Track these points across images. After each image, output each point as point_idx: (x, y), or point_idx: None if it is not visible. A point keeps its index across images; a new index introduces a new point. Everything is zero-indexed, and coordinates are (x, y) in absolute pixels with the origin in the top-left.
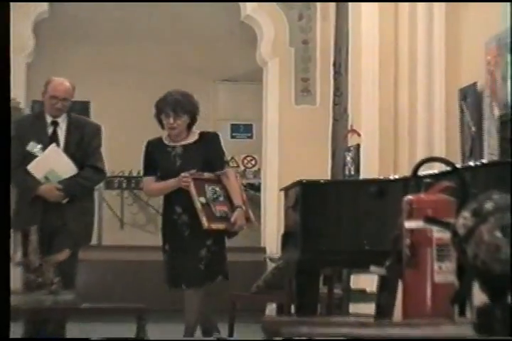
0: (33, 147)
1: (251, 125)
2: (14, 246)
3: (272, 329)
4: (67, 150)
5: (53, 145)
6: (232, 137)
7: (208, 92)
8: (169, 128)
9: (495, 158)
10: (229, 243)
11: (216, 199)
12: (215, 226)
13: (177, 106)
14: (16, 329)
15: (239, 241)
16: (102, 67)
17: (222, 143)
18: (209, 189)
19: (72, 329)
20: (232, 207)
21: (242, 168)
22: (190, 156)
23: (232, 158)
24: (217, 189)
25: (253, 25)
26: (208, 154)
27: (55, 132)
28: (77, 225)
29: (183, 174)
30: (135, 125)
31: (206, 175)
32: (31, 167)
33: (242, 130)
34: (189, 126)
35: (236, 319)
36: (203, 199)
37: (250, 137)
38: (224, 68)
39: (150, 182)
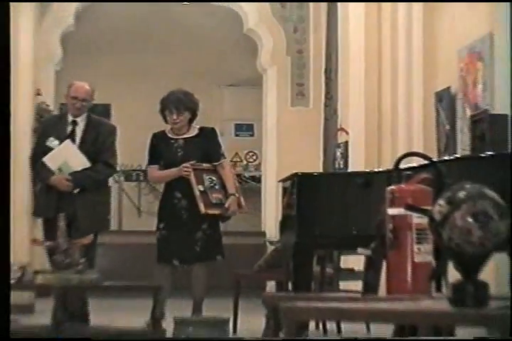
0: (52, 143)
1: (252, 124)
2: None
3: (271, 303)
4: (82, 146)
5: (68, 140)
6: (236, 135)
7: (214, 96)
8: (172, 123)
9: (467, 153)
10: (234, 228)
11: (212, 187)
12: (211, 211)
13: (180, 104)
14: (43, 306)
15: (242, 226)
16: (122, 74)
17: (220, 138)
18: (206, 178)
19: (95, 305)
20: (227, 195)
21: (244, 162)
22: (191, 148)
23: (236, 153)
24: (214, 178)
25: (254, 37)
26: (206, 147)
27: (73, 130)
28: (88, 214)
29: (184, 164)
30: (151, 124)
31: (204, 165)
32: (46, 159)
33: (245, 129)
34: (190, 121)
35: (240, 295)
36: (201, 187)
37: (252, 135)
38: (229, 74)
39: (154, 171)
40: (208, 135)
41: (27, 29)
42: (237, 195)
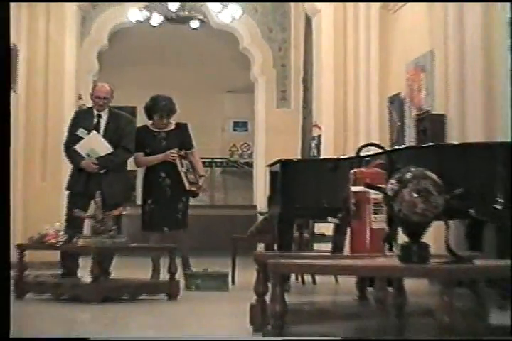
0: (82, 133)
1: (246, 122)
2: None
3: (261, 260)
4: (106, 134)
5: (94, 131)
6: (234, 130)
7: (217, 100)
8: (161, 124)
9: (412, 144)
10: (232, 202)
11: (188, 170)
12: (191, 188)
13: (168, 111)
14: (83, 263)
15: (239, 201)
16: (144, 82)
17: (191, 131)
18: (184, 162)
19: (123, 263)
20: (197, 176)
21: (240, 151)
22: (171, 139)
23: (234, 144)
24: (188, 162)
25: (248, 54)
26: (182, 138)
27: (98, 122)
28: (111, 189)
29: (171, 151)
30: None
31: (182, 152)
32: (77, 147)
33: (241, 125)
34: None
35: (236, 254)
36: (183, 169)
37: (246, 130)
38: (228, 83)
39: (140, 156)
40: (183, 129)
41: (71, 48)
42: (205, 175)
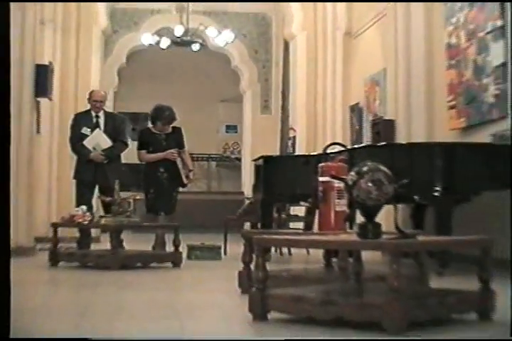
0: (85, 130)
1: (236, 125)
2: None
3: (247, 236)
4: (105, 131)
5: (98, 129)
6: (226, 132)
7: (214, 108)
8: (162, 129)
9: (368, 143)
10: (224, 189)
11: (183, 166)
12: (186, 181)
13: (170, 119)
14: (104, 238)
15: (230, 188)
16: (156, 93)
17: (184, 134)
18: (179, 160)
19: (135, 238)
20: (187, 171)
21: (231, 148)
22: (169, 140)
23: (226, 143)
24: (181, 159)
25: (238, 71)
26: (177, 139)
27: (97, 122)
28: (112, 177)
29: (172, 150)
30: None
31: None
32: (86, 142)
33: (232, 128)
34: None
35: (228, 231)
36: (180, 166)
37: (236, 132)
38: (222, 94)
39: (144, 154)
40: (178, 132)
41: (96, 65)
42: (193, 170)
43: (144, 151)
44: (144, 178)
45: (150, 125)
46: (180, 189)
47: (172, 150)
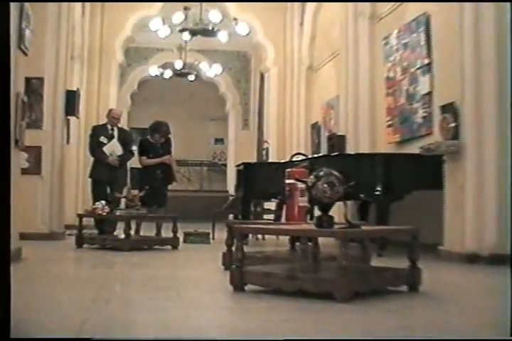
0: (103, 139)
1: (223, 139)
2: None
3: (230, 225)
4: (118, 142)
5: (114, 139)
6: (215, 144)
7: (205, 125)
8: (158, 141)
9: (325, 153)
10: (213, 188)
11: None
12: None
13: (166, 133)
14: (119, 226)
15: (218, 187)
16: (160, 112)
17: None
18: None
19: (145, 227)
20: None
21: (219, 156)
22: (163, 148)
23: (215, 152)
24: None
25: (224, 97)
26: (168, 147)
27: (112, 134)
28: (123, 178)
29: (169, 156)
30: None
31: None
32: (105, 148)
33: (219, 141)
34: None
35: (215, 221)
36: (174, 167)
37: (223, 144)
38: (212, 114)
39: (144, 159)
40: (169, 142)
41: (114, 91)
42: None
43: (144, 157)
44: (142, 178)
45: (148, 136)
46: (179, 187)
47: (169, 156)
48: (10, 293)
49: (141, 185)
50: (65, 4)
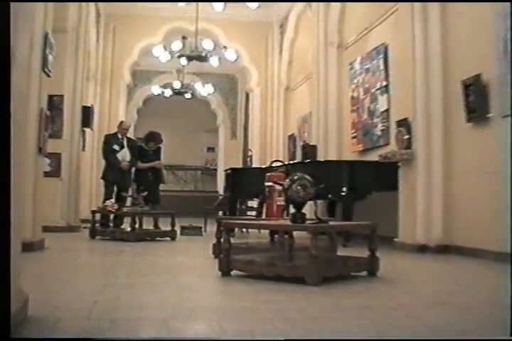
0: (116, 147)
1: (214, 147)
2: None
3: (219, 220)
4: (127, 149)
5: (125, 148)
6: (207, 151)
7: (199, 135)
8: (151, 149)
9: (299, 160)
10: (206, 189)
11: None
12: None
13: (160, 141)
14: (126, 220)
15: (209, 188)
16: (161, 125)
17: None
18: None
19: (148, 222)
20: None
21: (210, 162)
22: (155, 154)
23: (207, 159)
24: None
25: (215, 112)
26: (158, 154)
27: (122, 142)
28: (129, 180)
29: (159, 161)
30: (174, 146)
31: None
32: (118, 155)
33: (211, 149)
34: None
35: (207, 217)
36: (163, 170)
37: (214, 152)
38: (205, 127)
39: (140, 163)
40: (159, 150)
41: (123, 107)
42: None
43: (139, 161)
44: (136, 179)
45: (142, 143)
46: (176, 188)
47: (160, 161)
48: (10, 294)
49: (136, 185)
50: (82, 33)
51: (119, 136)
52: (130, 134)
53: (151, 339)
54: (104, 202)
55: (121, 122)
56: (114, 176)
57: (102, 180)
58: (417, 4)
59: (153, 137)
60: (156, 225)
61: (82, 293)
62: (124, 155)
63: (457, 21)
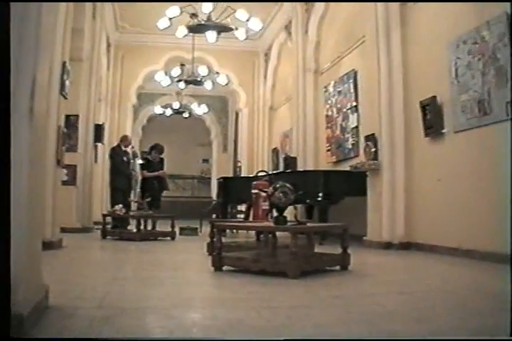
0: (125, 158)
1: (208, 159)
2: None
3: (212, 222)
4: (132, 160)
5: (134, 159)
6: (203, 163)
7: (195, 149)
8: (155, 159)
9: (281, 170)
10: (202, 195)
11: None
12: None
13: (161, 151)
14: (132, 223)
15: (205, 194)
16: (162, 139)
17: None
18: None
19: (148, 224)
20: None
21: (205, 172)
22: (160, 164)
23: (202, 169)
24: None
25: (209, 129)
26: (162, 164)
27: (128, 154)
28: (134, 186)
29: (162, 171)
30: (174, 158)
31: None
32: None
33: (206, 161)
34: None
35: (202, 219)
36: (166, 179)
37: (208, 163)
38: (199, 141)
39: (145, 172)
40: (162, 160)
41: (129, 125)
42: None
43: (145, 171)
44: (142, 186)
45: (148, 155)
46: (176, 194)
47: (164, 171)
48: (10, 294)
49: (142, 192)
50: (95, 61)
51: (123, 148)
52: (136, 147)
53: (151, 339)
54: (112, 206)
55: (126, 136)
56: (122, 184)
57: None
58: (381, 36)
59: (154, 146)
60: (153, 227)
61: (95, 285)
62: (133, 165)
63: (416, 50)
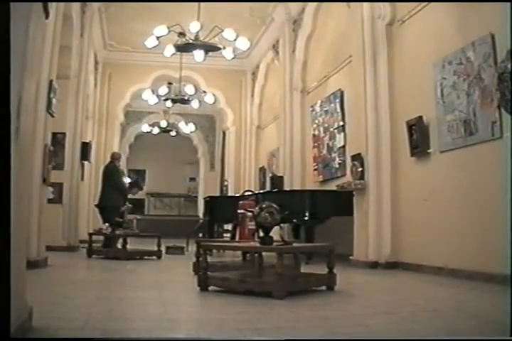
0: (123, 176)
1: (195, 177)
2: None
3: (198, 242)
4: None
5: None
6: (190, 181)
7: (182, 167)
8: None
9: (268, 190)
10: (188, 214)
11: None
12: None
13: (141, 189)
14: (119, 241)
15: (191, 213)
16: (149, 158)
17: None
18: None
19: (135, 241)
20: None
21: (192, 191)
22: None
23: (189, 187)
24: None
25: (196, 147)
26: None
27: (123, 172)
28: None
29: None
30: (160, 176)
31: None
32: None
33: (193, 179)
34: None
35: (189, 238)
36: None
37: (195, 181)
38: (187, 159)
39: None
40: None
41: (116, 142)
42: None
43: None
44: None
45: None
46: (162, 213)
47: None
48: (10, 295)
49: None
50: (82, 79)
51: (117, 164)
52: (122, 166)
53: (151, 339)
54: (112, 225)
55: (120, 153)
56: (123, 202)
57: (97, 207)
58: (368, 56)
59: (136, 183)
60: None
61: (79, 305)
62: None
63: (402, 70)
